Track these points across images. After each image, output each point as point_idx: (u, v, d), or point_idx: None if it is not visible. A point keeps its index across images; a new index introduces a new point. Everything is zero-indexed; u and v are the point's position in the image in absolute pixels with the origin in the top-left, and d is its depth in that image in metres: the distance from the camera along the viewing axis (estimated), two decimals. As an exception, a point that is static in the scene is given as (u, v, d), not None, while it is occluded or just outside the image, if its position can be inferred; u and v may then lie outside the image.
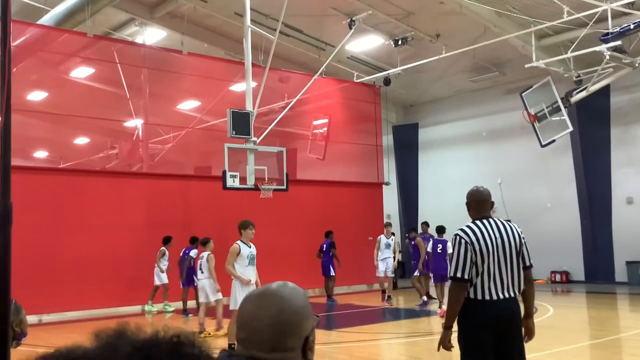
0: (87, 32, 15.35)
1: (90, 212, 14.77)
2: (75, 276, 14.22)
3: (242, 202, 15.85)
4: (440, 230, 13.91)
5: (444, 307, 14.07)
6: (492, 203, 4.74)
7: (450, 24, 17.26)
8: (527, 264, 4.51)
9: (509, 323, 4.39)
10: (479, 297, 4.31)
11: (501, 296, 4.34)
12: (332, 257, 16.34)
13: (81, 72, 17.21)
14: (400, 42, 17.98)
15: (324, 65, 17.09)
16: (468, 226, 4.47)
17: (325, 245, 16.49)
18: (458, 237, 4.41)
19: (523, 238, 4.54)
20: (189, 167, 18.72)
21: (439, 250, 13.70)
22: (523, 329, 4.55)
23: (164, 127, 17.88)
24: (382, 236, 15.70)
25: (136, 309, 15.25)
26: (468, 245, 4.34)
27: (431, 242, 14.21)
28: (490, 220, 4.53)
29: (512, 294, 4.40)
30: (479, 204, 4.62)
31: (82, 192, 14.81)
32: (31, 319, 13.22)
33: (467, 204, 4.69)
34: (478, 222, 4.49)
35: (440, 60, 17.65)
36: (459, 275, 4.32)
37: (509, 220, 4.68)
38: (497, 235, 4.43)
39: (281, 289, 1.55)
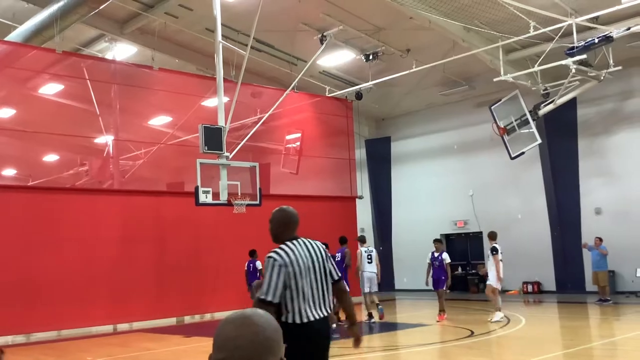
0: (56, 49, 15.18)
1: (60, 230, 14.53)
2: (46, 296, 13.96)
3: (215, 217, 15.78)
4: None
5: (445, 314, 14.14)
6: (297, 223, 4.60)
7: (420, 39, 17.49)
8: (335, 277, 4.53)
9: (324, 342, 4.41)
10: (297, 320, 4.25)
11: (316, 316, 4.32)
12: (346, 269, 14.43)
13: (50, 89, 17.01)
14: (371, 57, 18.14)
15: (296, 80, 17.15)
16: (281, 248, 4.37)
17: (339, 254, 14.61)
18: (271, 260, 4.29)
19: (327, 252, 4.56)
20: (161, 183, 18.57)
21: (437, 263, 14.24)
22: (351, 337, 4.72)
23: (135, 143, 17.72)
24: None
25: (108, 328, 15.01)
26: (282, 268, 4.26)
27: (430, 254, 14.49)
28: (300, 240, 4.48)
29: (325, 313, 4.41)
30: (288, 225, 4.52)
31: (51, 210, 14.57)
32: (2, 340, 12.94)
33: (276, 226, 4.50)
34: (290, 244, 4.41)
35: (410, 74, 17.85)
36: (269, 298, 4.21)
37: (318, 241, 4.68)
38: (307, 255, 4.40)
39: (258, 312, 1.61)
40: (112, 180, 17.14)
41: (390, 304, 20.17)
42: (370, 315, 14.55)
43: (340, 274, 4.61)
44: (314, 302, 4.36)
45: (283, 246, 4.39)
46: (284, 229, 4.50)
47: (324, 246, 4.57)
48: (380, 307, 14.67)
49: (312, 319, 4.28)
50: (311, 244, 4.49)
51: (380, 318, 14.64)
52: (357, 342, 4.73)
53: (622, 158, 18.39)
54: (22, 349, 12.52)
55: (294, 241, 4.44)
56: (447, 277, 14.08)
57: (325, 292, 4.45)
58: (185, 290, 16.24)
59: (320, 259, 4.45)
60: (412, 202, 23.20)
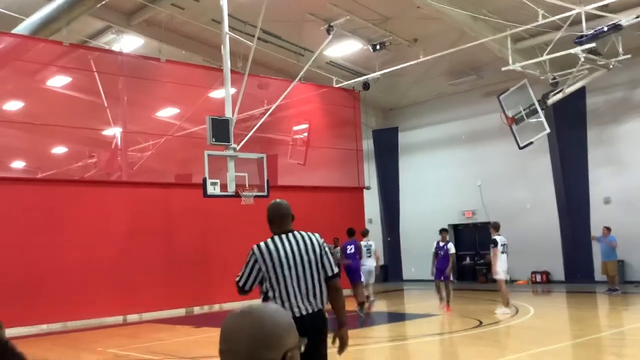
0: (63, 41, 15.20)
1: (69, 222, 14.60)
2: (55, 287, 14.04)
3: (223, 209, 15.80)
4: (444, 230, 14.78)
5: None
6: (293, 217, 4.58)
7: (427, 29, 17.39)
8: (329, 273, 4.41)
9: (314, 338, 4.23)
10: None
11: (303, 312, 4.24)
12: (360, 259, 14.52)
13: (58, 81, 17.05)
14: (378, 47, 18.05)
15: (303, 70, 17.10)
16: (265, 241, 4.40)
17: (353, 247, 14.57)
18: (250, 252, 4.43)
19: (324, 247, 4.46)
20: (169, 175, 18.62)
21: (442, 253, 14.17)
22: (336, 338, 4.45)
23: (142, 135, 17.76)
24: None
25: (118, 319, 15.11)
26: (257, 261, 4.34)
27: (435, 243, 14.42)
28: (290, 234, 4.44)
29: (316, 308, 4.32)
30: (280, 217, 4.51)
31: (60, 202, 14.63)
32: (12, 331, 13.05)
33: (270, 219, 4.55)
34: (276, 238, 4.41)
35: (418, 64, 17.76)
36: (240, 283, 4.43)
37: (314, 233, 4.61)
38: (296, 249, 4.34)
39: (264, 306, 1.63)
40: (121, 172, 17.20)
41: (398, 295, 20.21)
42: (367, 298, 14.68)
43: (335, 271, 4.46)
44: (301, 297, 4.27)
45: (268, 239, 4.42)
46: (274, 221, 4.52)
47: (322, 240, 4.48)
48: (369, 302, 14.72)
49: (297, 314, 4.18)
50: (303, 238, 4.42)
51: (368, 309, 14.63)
52: (341, 348, 4.46)
53: (632, 147, 18.28)
54: (33, 340, 12.61)
55: (282, 235, 4.42)
56: (448, 267, 13.98)
57: (317, 287, 4.34)
58: (194, 281, 16.30)
59: (313, 253, 4.36)
60: (420, 193, 23.16)
